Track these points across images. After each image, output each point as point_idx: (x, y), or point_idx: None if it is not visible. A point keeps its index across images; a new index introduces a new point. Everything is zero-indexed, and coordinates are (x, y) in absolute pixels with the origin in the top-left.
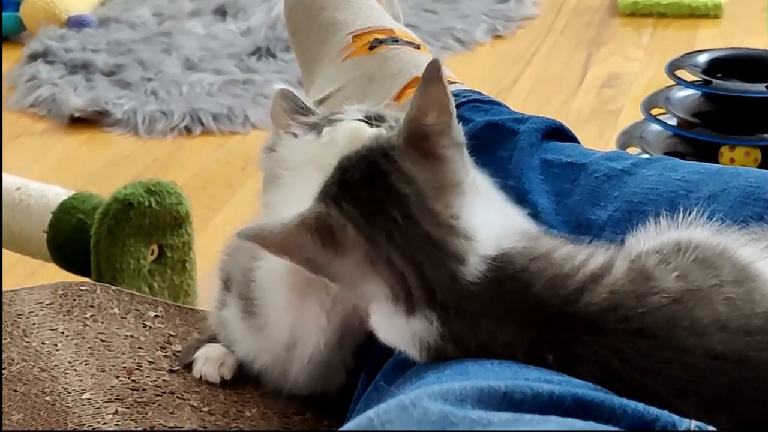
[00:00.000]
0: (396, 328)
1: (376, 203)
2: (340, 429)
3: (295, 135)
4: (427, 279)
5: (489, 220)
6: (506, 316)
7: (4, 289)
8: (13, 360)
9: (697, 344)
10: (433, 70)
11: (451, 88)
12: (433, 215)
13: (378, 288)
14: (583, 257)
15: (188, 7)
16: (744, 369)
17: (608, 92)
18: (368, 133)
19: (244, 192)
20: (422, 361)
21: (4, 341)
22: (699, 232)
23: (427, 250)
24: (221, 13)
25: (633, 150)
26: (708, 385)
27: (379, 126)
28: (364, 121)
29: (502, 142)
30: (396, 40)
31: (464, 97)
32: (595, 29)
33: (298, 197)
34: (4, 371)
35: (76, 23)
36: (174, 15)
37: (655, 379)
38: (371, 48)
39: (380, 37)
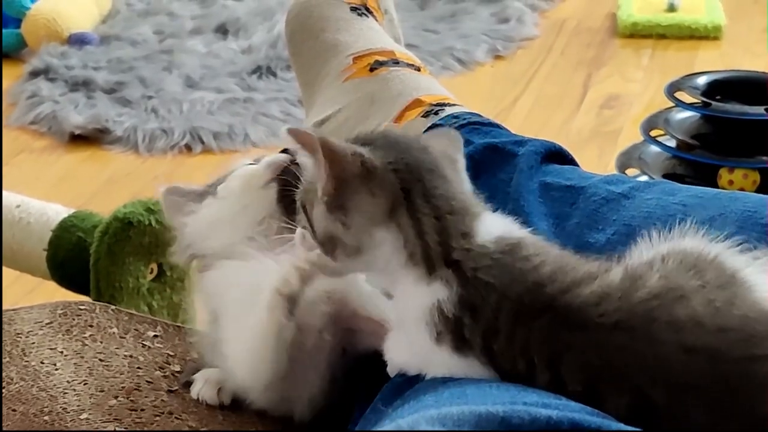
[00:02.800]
0: (415, 297)
1: (409, 158)
2: None
3: (193, 212)
4: (446, 230)
5: (495, 216)
6: (510, 298)
7: (3, 307)
8: (12, 379)
9: (672, 338)
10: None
11: (451, 109)
12: (450, 181)
13: (387, 234)
14: (585, 261)
15: (189, 25)
16: (715, 362)
17: (608, 113)
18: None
19: None
20: (439, 352)
21: (3, 360)
22: (691, 240)
23: (450, 202)
24: (222, 31)
25: (632, 171)
26: (680, 376)
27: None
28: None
29: (502, 164)
30: (397, 62)
31: (464, 119)
32: (595, 50)
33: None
34: (3, 390)
35: (78, 41)
36: (175, 33)
37: (630, 370)
38: (372, 70)
39: (381, 58)
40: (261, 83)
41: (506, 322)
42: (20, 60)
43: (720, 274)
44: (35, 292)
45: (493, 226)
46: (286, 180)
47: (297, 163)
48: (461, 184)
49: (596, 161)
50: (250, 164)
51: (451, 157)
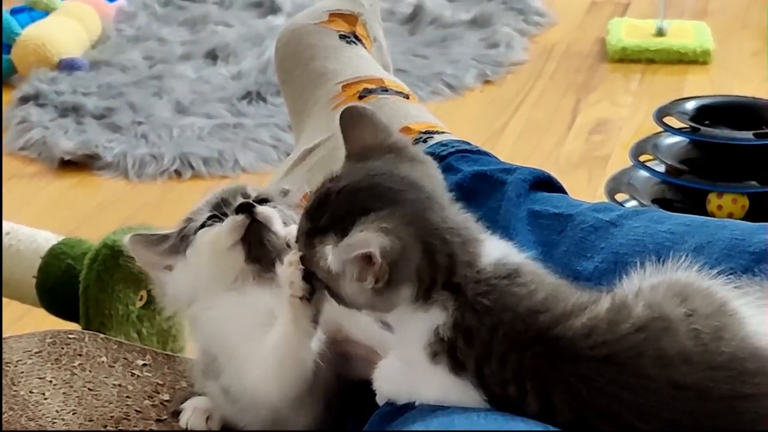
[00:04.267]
0: (413, 322)
1: (415, 199)
2: None
3: (169, 269)
4: (453, 254)
5: (495, 239)
6: (504, 323)
7: None
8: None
9: (661, 374)
10: None
11: (440, 137)
12: (449, 208)
13: (414, 285)
14: (577, 291)
15: (179, 51)
16: (705, 399)
17: (597, 138)
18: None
19: None
20: (435, 371)
21: None
22: (682, 273)
23: (452, 229)
24: (212, 57)
25: (621, 196)
26: (669, 411)
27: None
28: (215, 216)
29: (490, 192)
30: (385, 90)
31: (453, 147)
32: (584, 75)
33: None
34: None
35: (68, 66)
36: (165, 58)
37: (620, 405)
38: (361, 97)
39: (370, 86)
40: (251, 109)
41: (499, 348)
42: (10, 86)
43: (709, 302)
44: (24, 320)
45: (492, 250)
46: (251, 239)
47: (258, 221)
48: (448, 199)
49: (585, 186)
50: (217, 219)
51: (437, 180)
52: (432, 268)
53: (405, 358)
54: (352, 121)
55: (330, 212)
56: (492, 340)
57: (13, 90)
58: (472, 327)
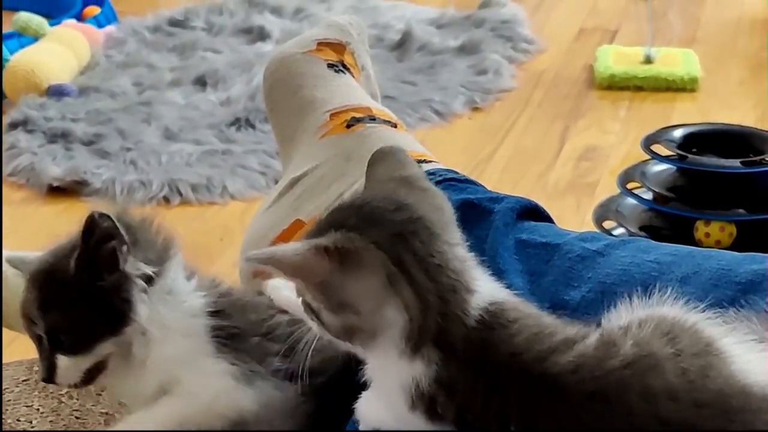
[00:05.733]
0: (396, 370)
1: (402, 223)
2: None
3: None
4: (446, 300)
5: (481, 274)
6: (487, 371)
7: None
8: None
9: (648, 410)
10: None
11: (428, 166)
12: (447, 244)
13: (397, 312)
14: (563, 325)
15: (168, 77)
16: None
17: (585, 165)
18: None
19: (223, 262)
20: (412, 418)
21: None
22: (669, 309)
23: (448, 269)
24: (201, 83)
25: (609, 224)
26: None
27: None
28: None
29: (478, 221)
30: (373, 119)
31: (440, 175)
32: (572, 102)
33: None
34: None
35: (56, 92)
36: (154, 85)
37: None
38: (348, 126)
39: (357, 115)
40: (239, 135)
41: (482, 395)
42: None
43: (695, 342)
44: (12, 346)
45: (482, 293)
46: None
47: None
48: (452, 231)
49: (573, 213)
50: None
51: (442, 211)
52: (421, 301)
53: (384, 398)
54: (378, 161)
55: (316, 227)
56: (474, 387)
57: (2, 115)
58: (455, 380)
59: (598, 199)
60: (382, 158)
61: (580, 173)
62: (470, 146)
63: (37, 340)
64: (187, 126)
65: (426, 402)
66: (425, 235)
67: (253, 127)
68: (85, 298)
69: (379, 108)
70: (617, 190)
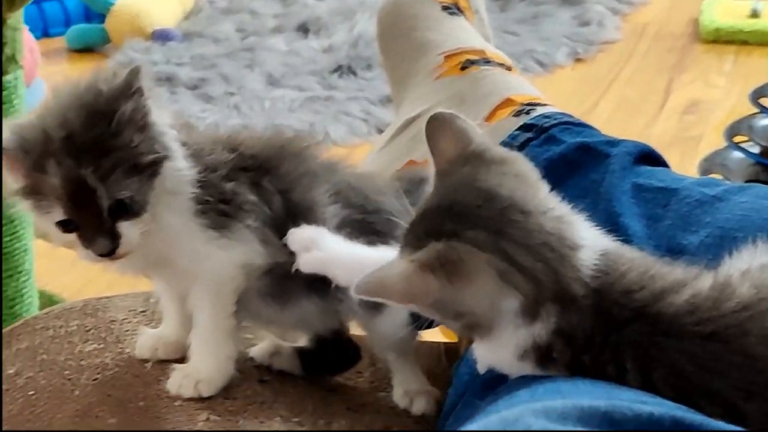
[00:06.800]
0: (513, 337)
1: (495, 216)
2: None
3: None
4: (557, 272)
5: (582, 223)
6: (602, 313)
7: (96, 295)
8: (107, 365)
9: (765, 353)
10: None
11: (542, 109)
12: (542, 214)
13: (513, 300)
14: (672, 267)
15: (271, 24)
16: None
17: (689, 118)
18: None
19: None
20: (521, 365)
21: (98, 346)
22: None
23: (550, 242)
24: (303, 30)
25: (714, 177)
26: None
27: None
28: None
29: (594, 164)
30: (488, 61)
31: (556, 119)
32: (676, 55)
33: None
34: (98, 376)
35: (161, 37)
36: (257, 31)
37: (724, 382)
38: (463, 68)
39: (472, 57)
40: (341, 82)
41: (599, 337)
42: (103, 55)
43: None
44: (119, 283)
45: (587, 246)
46: None
47: None
48: (542, 194)
49: (678, 167)
50: None
51: (522, 178)
52: (531, 279)
53: (493, 349)
54: (437, 131)
55: (410, 237)
56: (592, 332)
57: (107, 59)
58: (574, 329)
59: (701, 153)
60: (441, 128)
61: (684, 127)
62: (572, 98)
63: (92, 216)
64: (289, 72)
65: (540, 350)
66: (520, 218)
67: (354, 74)
68: (132, 153)
69: (493, 51)
70: (722, 144)
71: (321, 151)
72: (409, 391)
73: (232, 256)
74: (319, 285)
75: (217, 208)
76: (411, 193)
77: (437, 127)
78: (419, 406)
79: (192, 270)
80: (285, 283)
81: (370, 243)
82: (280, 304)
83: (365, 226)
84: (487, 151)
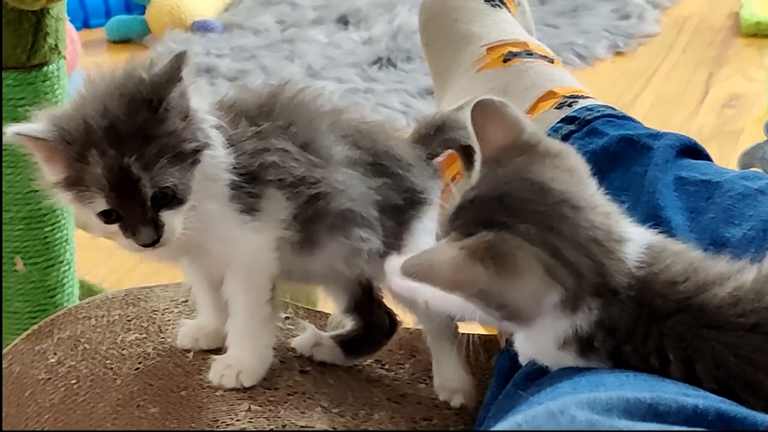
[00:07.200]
0: (552, 327)
1: (546, 210)
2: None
3: None
4: (602, 265)
5: (625, 219)
6: (645, 305)
7: (136, 285)
8: (148, 355)
9: None
10: None
11: (585, 102)
12: (592, 210)
13: (555, 294)
14: (715, 260)
15: (311, 16)
16: None
17: (729, 112)
18: None
19: None
20: (562, 355)
21: (140, 336)
22: None
23: (598, 237)
24: (343, 22)
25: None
26: None
27: None
28: None
29: (637, 157)
30: (530, 54)
31: (598, 111)
32: (716, 48)
33: None
34: (140, 365)
35: (201, 28)
36: (297, 23)
37: (767, 374)
38: (505, 61)
39: (514, 50)
40: (381, 74)
41: (642, 329)
42: (143, 46)
43: None
44: (159, 274)
45: (633, 240)
46: None
47: None
48: (590, 190)
49: (717, 160)
50: None
51: (574, 172)
52: (575, 274)
53: (533, 340)
54: (483, 118)
55: (460, 222)
56: (635, 323)
57: (147, 50)
58: (616, 320)
59: (741, 147)
60: (489, 115)
61: (724, 121)
62: (612, 91)
63: (135, 206)
64: (329, 64)
65: (581, 341)
66: (572, 214)
67: (394, 66)
68: (176, 141)
69: (535, 43)
70: (762, 138)
71: (319, 97)
72: (448, 383)
73: (267, 238)
74: (341, 223)
75: (248, 191)
76: (430, 137)
77: (485, 113)
78: (458, 399)
79: (226, 256)
80: (310, 227)
81: (385, 185)
82: (308, 250)
83: (378, 168)
84: (540, 143)
